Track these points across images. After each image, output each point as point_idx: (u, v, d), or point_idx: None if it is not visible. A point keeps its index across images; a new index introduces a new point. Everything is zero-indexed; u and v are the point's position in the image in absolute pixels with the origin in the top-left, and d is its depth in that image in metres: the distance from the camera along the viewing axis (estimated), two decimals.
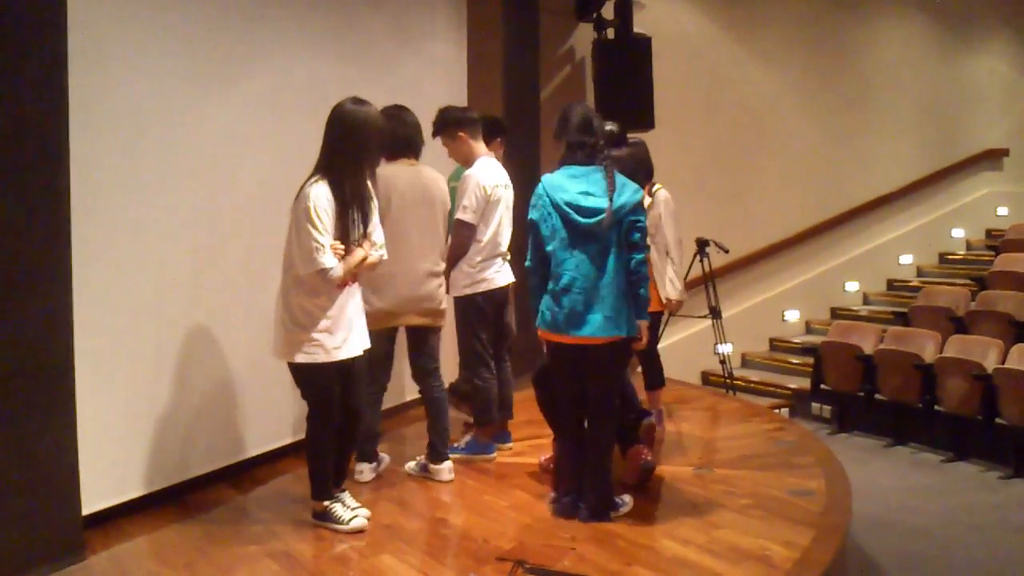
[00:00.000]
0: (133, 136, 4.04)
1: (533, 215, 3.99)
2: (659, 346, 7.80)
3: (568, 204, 3.88)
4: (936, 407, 6.98)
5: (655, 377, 5.57)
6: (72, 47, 3.55)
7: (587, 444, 4.01)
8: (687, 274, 7.86)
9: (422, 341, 4.55)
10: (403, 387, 5.69)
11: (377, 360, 4.34)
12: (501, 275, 4.77)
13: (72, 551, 3.61)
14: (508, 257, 4.83)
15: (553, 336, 3.95)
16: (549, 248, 3.94)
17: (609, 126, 4.58)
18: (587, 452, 4.00)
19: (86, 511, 3.78)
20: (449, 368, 5.03)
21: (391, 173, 4.41)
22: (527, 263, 4.04)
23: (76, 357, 3.61)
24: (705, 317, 7.92)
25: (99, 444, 3.85)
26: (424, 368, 4.56)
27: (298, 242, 3.70)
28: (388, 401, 4.53)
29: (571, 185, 3.92)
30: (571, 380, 4.02)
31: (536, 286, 4.02)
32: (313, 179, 3.74)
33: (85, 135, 3.70)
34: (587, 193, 3.89)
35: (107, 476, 3.96)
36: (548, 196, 3.93)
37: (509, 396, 5.08)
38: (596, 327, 3.87)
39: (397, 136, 4.42)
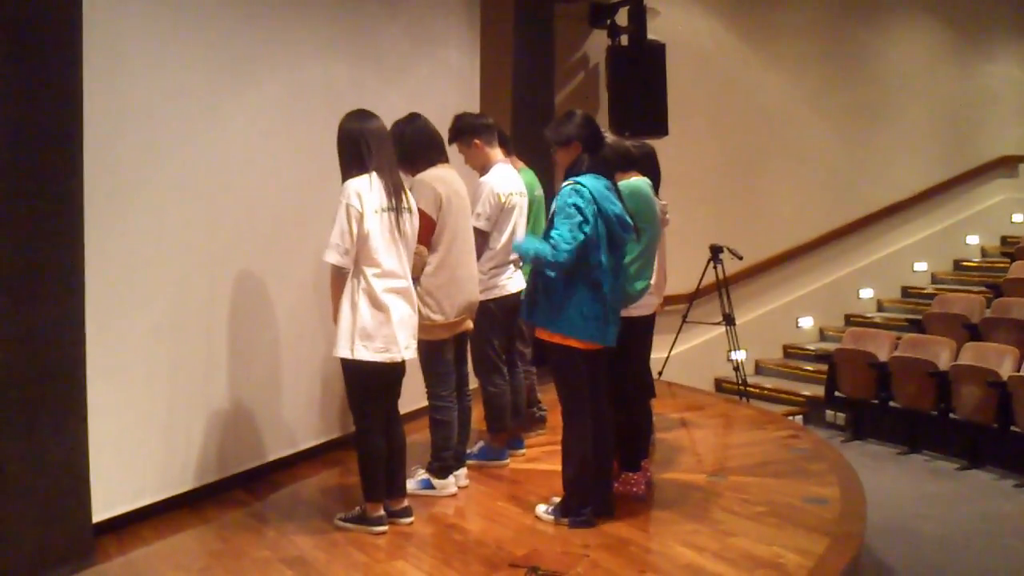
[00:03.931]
0: (148, 140, 4.05)
1: (587, 213, 3.77)
2: (673, 352, 7.88)
3: (617, 217, 3.86)
4: (951, 415, 6.94)
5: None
6: (87, 51, 3.57)
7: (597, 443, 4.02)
8: (701, 280, 7.92)
9: (464, 346, 4.56)
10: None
11: (451, 368, 4.37)
12: (512, 282, 4.78)
13: (83, 554, 3.62)
14: (520, 264, 4.84)
15: (589, 345, 3.90)
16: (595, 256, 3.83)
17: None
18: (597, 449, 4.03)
19: (102, 516, 3.80)
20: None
21: (451, 177, 4.33)
22: (568, 250, 3.71)
23: (92, 363, 3.63)
24: (719, 324, 7.90)
25: (116, 450, 3.88)
26: (463, 374, 4.54)
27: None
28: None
29: (611, 196, 3.90)
30: (586, 385, 4.02)
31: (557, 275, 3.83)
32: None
33: (100, 140, 3.72)
34: (624, 207, 3.92)
35: (123, 481, 3.98)
36: (597, 205, 3.81)
37: (521, 402, 5.08)
38: (612, 336, 3.96)
39: (434, 140, 4.37)
